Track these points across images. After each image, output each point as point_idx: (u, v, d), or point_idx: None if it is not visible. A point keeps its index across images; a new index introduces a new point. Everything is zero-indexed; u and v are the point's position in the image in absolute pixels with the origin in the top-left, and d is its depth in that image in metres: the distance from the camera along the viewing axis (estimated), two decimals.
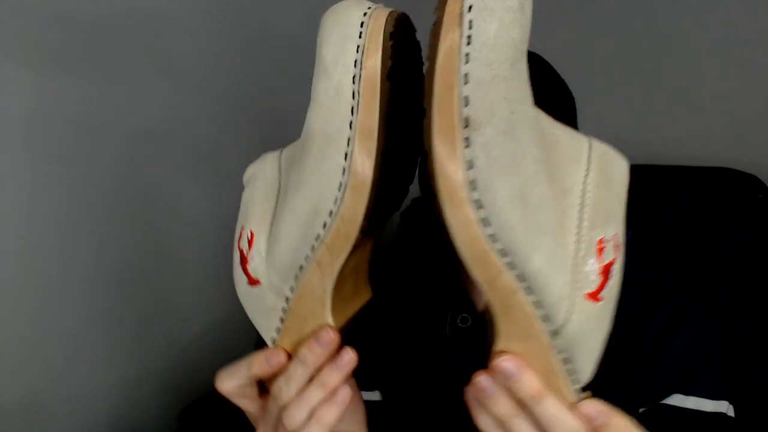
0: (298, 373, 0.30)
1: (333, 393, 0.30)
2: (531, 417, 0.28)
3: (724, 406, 0.47)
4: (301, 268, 0.30)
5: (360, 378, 0.59)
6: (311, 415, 0.29)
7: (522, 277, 0.26)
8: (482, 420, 0.30)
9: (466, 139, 0.24)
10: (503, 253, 0.25)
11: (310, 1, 1.01)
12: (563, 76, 0.56)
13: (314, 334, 0.30)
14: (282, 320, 0.32)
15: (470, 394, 0.30)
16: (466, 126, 0.24)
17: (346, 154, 0.27)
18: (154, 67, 0.77)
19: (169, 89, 0.79)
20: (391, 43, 0.27)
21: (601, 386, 0.47)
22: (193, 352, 0.86)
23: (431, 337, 0.58)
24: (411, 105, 0.28)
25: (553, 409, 0.28)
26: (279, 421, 0.30)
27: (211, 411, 0.75)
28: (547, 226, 0.26)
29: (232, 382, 0.32)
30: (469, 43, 0.24)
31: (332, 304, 0.31)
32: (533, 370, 0.28)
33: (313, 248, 0.29)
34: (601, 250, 0.28)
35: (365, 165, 0.27)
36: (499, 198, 0.25)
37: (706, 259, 0.78)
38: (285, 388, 0.30)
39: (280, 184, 0.31)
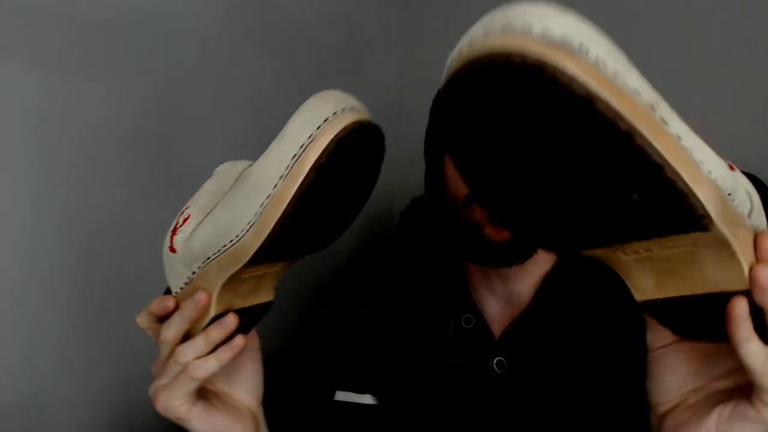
0: (175, 321, 0.38)
1: (221, 345, 0.38)
2: None
3: None
4: (208, 258, 0.38)
5: (352, 381, 0.59)
6: (210, 355, 0.38)
7: (729, 193, 0.30)
8: (747, 333, 0.29)
9: (663, 120, 0.27)
10: (727, 191, 0.30)
11: (315, 2, 1.02)
12: None
13: (192, 293, 0.38)
14: (185, 284, 0.41)
15: (742, 304, 0.29)
16: (654, 110, 0.27)
17: (262, 204, 0.34)
18: (155, 68, 0.77)
19: (168, 89, 0.79)
20: (334, 145, 0.33)
21: (622, 393, 0.47)
22: None
23: (432, 338, 0.58)
24: (330, 196, 0.36)
25: None
26: (166, 359, 0.39)
27: None
28: None
29: (142, 318, 0.42)
30: (596, 58, 0.25)
31: (222, 293, 0.38)
32: None
33: (219, 251, 0.37)
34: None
35: (269, 220, 0.34)
36: (703, 149, 0.30)
37: None
38: (165, 331, 0.39)
39: (228, 191, 0.39)
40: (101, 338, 0.72)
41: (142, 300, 0.76)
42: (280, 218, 0.34)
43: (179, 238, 0.40)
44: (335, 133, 0.33)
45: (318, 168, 0.33)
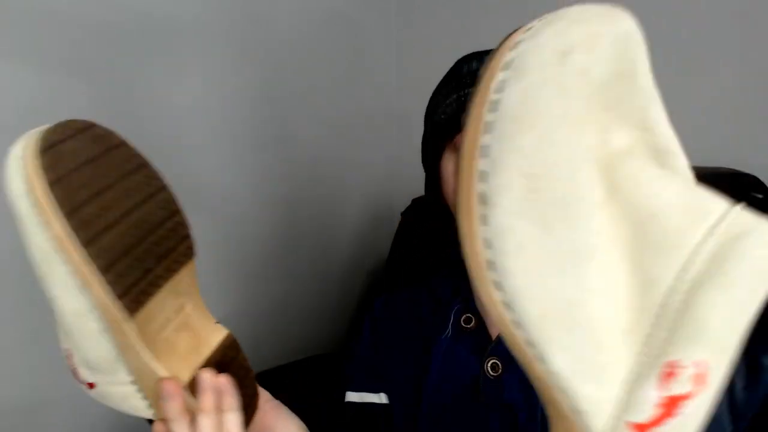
0: (179, 426, 0.34)
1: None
2: None
3: None
4: (106, 360, 0.33)
5: (366, 380, 0.59)
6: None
7: (550, 373, 0.23)
8: None
9: (483, 216, 0.22)
10: (528, 343, 0.22)
11: (316, 2, 1.02)
12: None
13: (158, 391, 0.33)
14: (145, 397, 0.34)
15: None
16: (483, 203, 0.21)
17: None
18: (154, 68, 0.77)
19: (166, 89, 0.79)
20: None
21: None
22: None
23: (433, 337, 0.58)
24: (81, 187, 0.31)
25: None
26: None
27: None
28: (590, 321, 0.22)
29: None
30: (492, 110, 0.20)
31: (168, 365, 0.32)
32: None
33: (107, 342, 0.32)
34: (668, 375, 0.21)
35: (62, 244, 0.31)
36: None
37: None
38: (166, 414, 0.34)
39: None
40: None
41: None
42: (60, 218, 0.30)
43: (83, 372, 0.36)
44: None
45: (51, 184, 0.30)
